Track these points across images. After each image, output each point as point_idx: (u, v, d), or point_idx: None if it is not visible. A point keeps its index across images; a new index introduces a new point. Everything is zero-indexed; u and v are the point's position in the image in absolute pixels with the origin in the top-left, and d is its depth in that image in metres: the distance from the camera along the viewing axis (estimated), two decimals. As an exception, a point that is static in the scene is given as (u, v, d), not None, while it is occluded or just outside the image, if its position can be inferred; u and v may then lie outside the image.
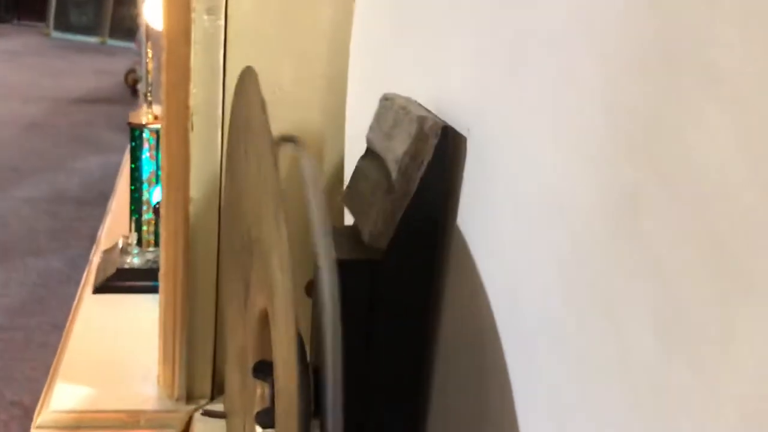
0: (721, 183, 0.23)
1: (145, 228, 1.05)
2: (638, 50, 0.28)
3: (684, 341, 0.25)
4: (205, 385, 0.82)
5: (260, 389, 0.54)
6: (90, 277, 1.06)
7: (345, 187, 0.73)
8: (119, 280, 1.02)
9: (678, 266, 0.25)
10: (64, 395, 0.82)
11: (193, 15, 0.71)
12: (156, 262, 1.04)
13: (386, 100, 0.48)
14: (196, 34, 0.72)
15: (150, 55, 1.05)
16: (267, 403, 0.53)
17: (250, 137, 0.49)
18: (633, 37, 0.28)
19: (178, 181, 0.77)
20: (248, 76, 0.47)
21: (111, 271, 1.04)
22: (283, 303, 0.38)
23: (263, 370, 0.52)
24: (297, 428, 0.36)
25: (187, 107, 0.74)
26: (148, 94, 1.03)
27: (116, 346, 0.91)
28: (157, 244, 1.04)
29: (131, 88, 3.99)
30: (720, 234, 0.23)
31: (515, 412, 0.37)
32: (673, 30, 0.26)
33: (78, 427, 0.79)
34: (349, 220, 0.68)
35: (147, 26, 1.24)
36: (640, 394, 0.27)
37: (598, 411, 0.30)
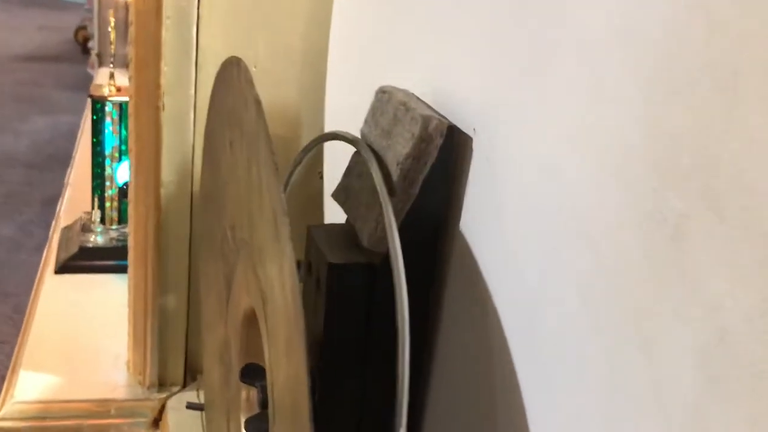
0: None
1: (108, 205, 1.01)
2: (687, 76, 0.26)
3: (737, 391, 0.24)
4: (178, 372, 0.80)
5: (246, 392, 0.52)
6: (50, 256, 1.02)
7: (325, 175, 0.70)
8: (82, 260, 0.99)
9: (732, 306, 0.24)
10: (29, 384, 0.79)
11: (164, -11, 0.67)
12: (120, 240, 1.00)
13: (383, 93, 0.46)
14: (167, 9, 0.68)
15: (112, 23, 1.00)
16: (255, 408, 0.51)
17: (238, 133, 0.46)
18: (681, 62, 0.26)
19: (149, 164, 0.74)
20: (237, 68, 0.44)
21: (73, 249, 1.00)
22: (288, 323, 0.35)
23: (251, 374, 0.50)
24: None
25: (158, 86, 0.70)
26: (111, 65, 0.98)
27: (82, 330, 0.88)
28: (120, 221, 1.01)
29: (82, 46, 3.85)
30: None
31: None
32: (731, 60, 0.24)
33: (44, 418, 0.77)
34: (328, 207, 0.65)
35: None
36: (684, 436, 0.26)
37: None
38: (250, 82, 0.40)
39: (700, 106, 0.26)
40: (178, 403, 0.78)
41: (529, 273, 0.36)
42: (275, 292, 0.38)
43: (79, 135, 1.53)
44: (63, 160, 1.59)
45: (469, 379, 0.42)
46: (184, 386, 0.79)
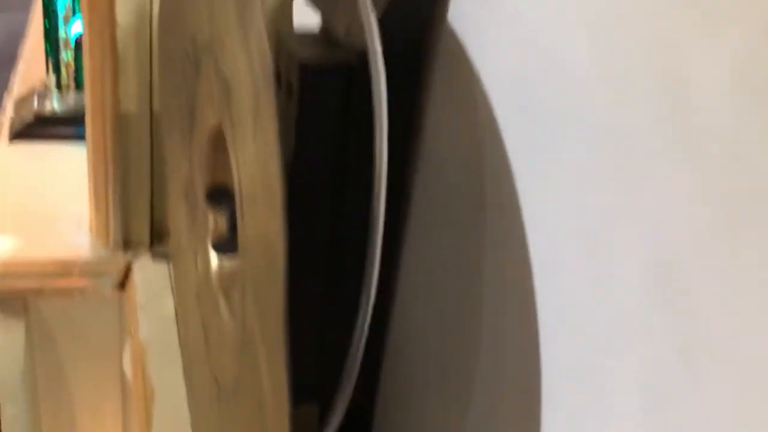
0: None
1: (64, 71, 0.95)
2: None
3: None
4: (143, 233, 0.77)
5: (213, 218, 0.49)
6: (4, 125, 0.96)
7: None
8: (39, 128, 0.93)
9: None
10: (-13, 246, 0.75)
11: None
12: (78, 108, 0.95)
13: None
14: None
15: None
16: (223, 232, 0.48)
17: None
18: None
19: (102, 5, 0.68)
20: None
21: (28, 118, 0.94)
22: (255, 94, 0.32)
23: (218, 196, 0.47)
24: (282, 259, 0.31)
25: None
26: None
27: (42, 196, 0.84)
28: (78, 87, 0.95)
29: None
30: None
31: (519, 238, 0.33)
32: None
33: (5, 277, 0.73)
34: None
35: None
36: (710, 173, 0.23)
37: (641, 221, 0.26)
38: None
39: None
40: (143, 263, 0.75)
41: (532, 49, 0.33)
42: (240, 74, 0.34)
43: (31, 9, 1.45)
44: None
45: (457, 179, 0.39)
46: (151, 245, 0.76)
